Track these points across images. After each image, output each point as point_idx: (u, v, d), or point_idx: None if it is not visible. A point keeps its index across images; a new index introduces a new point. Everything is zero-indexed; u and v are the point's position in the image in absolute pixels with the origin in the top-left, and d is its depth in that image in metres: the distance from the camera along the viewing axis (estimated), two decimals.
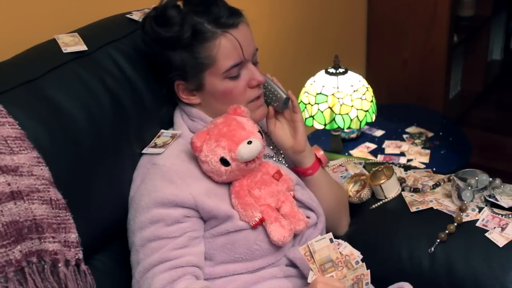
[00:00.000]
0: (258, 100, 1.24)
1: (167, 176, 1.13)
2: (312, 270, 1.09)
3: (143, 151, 1.21)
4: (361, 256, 1.12)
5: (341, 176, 1.55)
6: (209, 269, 1.17)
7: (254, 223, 1.15)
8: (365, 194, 1.47)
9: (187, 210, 1.13)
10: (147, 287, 1.09)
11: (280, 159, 1.33)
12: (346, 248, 1.13)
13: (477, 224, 1.32)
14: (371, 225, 1.45)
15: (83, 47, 1.18)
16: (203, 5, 1.15)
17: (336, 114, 1.86)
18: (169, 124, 1.28)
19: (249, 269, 1.18)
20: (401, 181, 1.50)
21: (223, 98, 1.19)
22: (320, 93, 1.88)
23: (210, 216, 1.14)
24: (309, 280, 1.09)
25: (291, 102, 1.29)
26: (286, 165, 1.33)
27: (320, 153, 1.34)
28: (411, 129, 2.39)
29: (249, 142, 1.12)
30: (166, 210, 1.11)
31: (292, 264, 1.22)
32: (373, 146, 2.29)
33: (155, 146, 1.20)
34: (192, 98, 1.22)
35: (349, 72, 1.94)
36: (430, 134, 2.35)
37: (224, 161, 1.12)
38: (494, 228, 1.30)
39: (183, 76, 1.19)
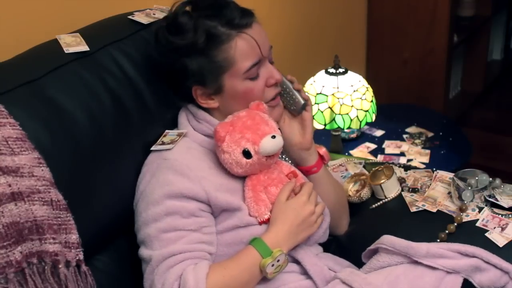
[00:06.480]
0: (275, 99, 1.25)
1: (179, 170, 1.13)
2: None
3: (152, 148, 1.20)
4: None
5: (341, 176, 1.55)
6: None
7: (262, 220, 1.16)
8: (365, 193, 1.48)
9: (200, 204, 1.13)
10: (161, 274, 1.07)
11: (285, 157, 1.33)
12: None
13: (477, 224, 1.33)
14: (371, 225, 1.45)
15: (84, 47, 1.18)
16: (214, 9, 1.15)
17: (336, 114, 1.87)
18: (171, 125, 1.27)
19: None
20: (401, 181, 1.50)
21: (243, 99, 1.19)
22: (320, 93, 1.88)
23: (221, 210, 1.15)
24: None
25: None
26: (291, 163, 1.33)
27: (323, 150, 1.35)
28: (411, 129, 2.39)
29: (273, 137, 1.14)
30: (180, 202, 1.11)
31: (295, 260, 1.22)
32: (373, 146, 2.28)
33: (163, 143, 1.20)
34: (211, 102, 1.21)
35: (349, 72, 1.94)
36: (430, 134, 2.35)
37: (247, 153, 1.14)
38: (494, 228, 1.31)
39: (201, 82, 1.18)
